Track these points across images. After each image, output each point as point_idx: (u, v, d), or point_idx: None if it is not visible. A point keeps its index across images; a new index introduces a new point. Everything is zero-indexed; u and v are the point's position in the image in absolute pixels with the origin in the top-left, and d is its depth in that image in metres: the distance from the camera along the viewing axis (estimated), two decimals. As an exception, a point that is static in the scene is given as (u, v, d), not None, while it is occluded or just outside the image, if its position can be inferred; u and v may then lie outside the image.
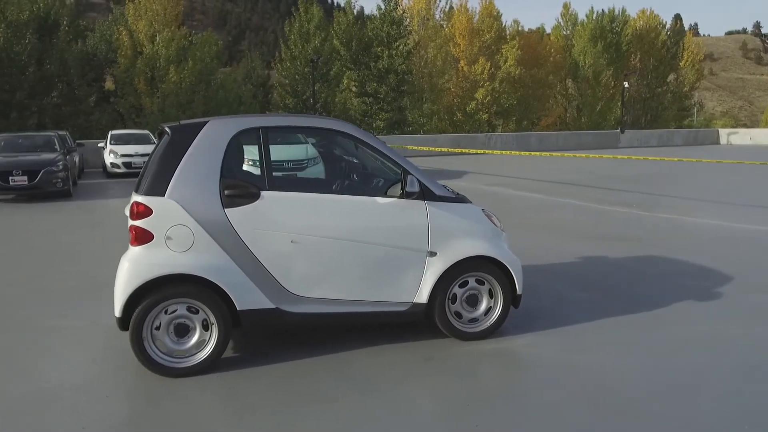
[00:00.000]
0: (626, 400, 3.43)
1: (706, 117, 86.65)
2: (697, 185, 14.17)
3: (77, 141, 18.42)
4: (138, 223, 3.69)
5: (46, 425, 3.25)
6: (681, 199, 11.73)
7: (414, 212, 4.04)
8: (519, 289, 4.32)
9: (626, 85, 39.05)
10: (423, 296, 4.10)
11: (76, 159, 15.85)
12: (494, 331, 4.34)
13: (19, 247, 8.08)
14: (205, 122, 3.89)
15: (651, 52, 46.89)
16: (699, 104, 67.74)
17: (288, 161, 10.59)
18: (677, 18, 72.37)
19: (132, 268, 3.68)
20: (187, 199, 3.71)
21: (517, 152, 20.31)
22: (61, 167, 12.71)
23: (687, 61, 48.81)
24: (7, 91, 25.49)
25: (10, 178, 12.09)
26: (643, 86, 48.10)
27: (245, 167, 11.42)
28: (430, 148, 22.84)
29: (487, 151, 22.30)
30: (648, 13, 47.81)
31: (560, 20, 47.76)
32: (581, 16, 46.74)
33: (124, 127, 27.58)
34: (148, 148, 16.65)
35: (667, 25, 50.80)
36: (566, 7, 47.65)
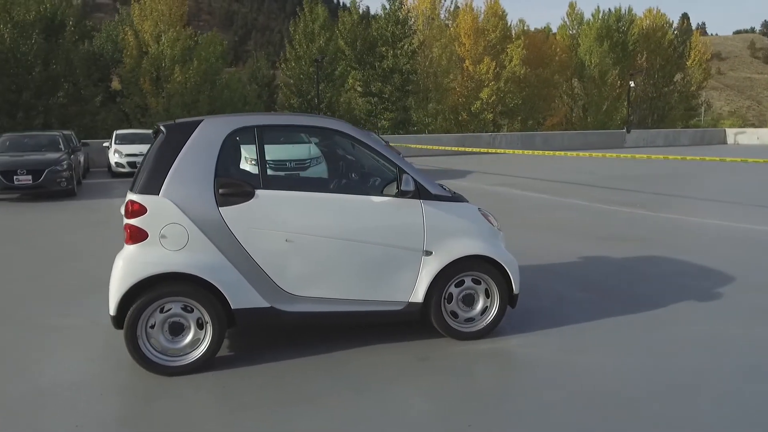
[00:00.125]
0: (625, 400, 3.40)
1: (714, 117, 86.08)
2: (702, 185, 14.08)
3: (82, 141, 18.51)
4: (133, 221, 3.70)
5: (41, 423, 3.26)
6: (685, 198, 11.66)
7: (409, 211, 4.02)
8: (516, 289, 4.29)
9: (632, 84, 38.86)
10: (419, 295, 4.09)
11: (81, 158, 15.93)
12: (491, 330, 4.32)
13: (22, 246, 8.12)
14: (200, 121, 3.89)
15: (658, 52, 46.63)
16: (706, 104, 67.30)
17: (291, 161, 10.58)
18: (684, 17, 71.96)
19: (126, 267, 3.68)
20: (181, 197, 3.71)
21: (520, 151, 20.24)
22: (65, 167, 12.78)
23: (694, 60, 48.52)
24: (14, 91, 25.67)
25: (15, 177, 12.17)
26: (649, 86, 47.85)
27: (246, 166, 11.31)
28: (433, 147, 22.80)
29: (490, 150, 22.23)
30: (654, 12, 47.58)
31: (566, 19, 47.62)
32: (587, 16, 46.63)
33: (130, 127, 27.68)
34: (152, 148, 16.68)
35: (674, 25, 50.56)
36: (572, 6, 47.47)
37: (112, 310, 3.71)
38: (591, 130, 39.78)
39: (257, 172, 3.92)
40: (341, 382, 3.70)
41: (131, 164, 17.13)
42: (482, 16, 40.17)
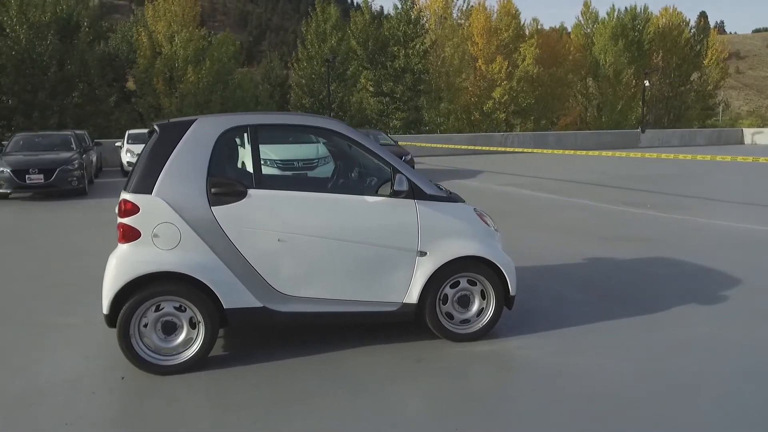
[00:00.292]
0: (624, 402, 3.35)
1: (732, 116, 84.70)
2: (715, 185, 13.86)
3: (95, 140, 18.72)
4: (125, 220, 3.71)
5: (33, 422, 3.27)
6: (697, 199, 11.48)
7: (403, 211, 3.99)
8: (512, 290, 4.24)
9: (647, 83, 38.39)
10: (413, 296, 4.05)
11: (93, 158, 16.11)
12: (487, 332, 4.27)
13: (29, 244, 8.21)
14: (194, 120, 3.89)
15: (674, 51, 46.08)
16: (724, 103, 66.21)
17: (298, 160, 10.59)
18: (702, 15, 71.04)
19: (119, 266, 3.70)
20: (174, 197, 3.71)
21: (530, 150, 20.08)
22: (76, 166, 12.93)
23: (711, 59, 47.83)
24: (30, 91, 26.02)
25: (27, 176, 12.33)
26: (665, 85, 47.30)
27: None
28: (444, 146, 22.72)
29: (500, 149, 22.09)
30: (671, 10, 46.99)
31: (581, 18, 47.21)
32: (602, 14, 46.18)
33: (144, 127, 27.92)
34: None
35: (691, 23, 49.89)
36: (587, 5, 47.06)
37: (105, 308, 3.72)
38: (605, 129, 39.40)
39: (250, 172, 3.90)
40: (335, 382, 3.68)
41: (143, 164, 17.23)
42: (495, 15, 39.97)
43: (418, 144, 22.45)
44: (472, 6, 39.50)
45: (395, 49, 34.50)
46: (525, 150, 22.23)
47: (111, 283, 3.68)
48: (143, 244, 3.69)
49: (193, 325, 3.80)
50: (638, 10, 45.46)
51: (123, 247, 3.73)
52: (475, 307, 4.24)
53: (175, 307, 3.77)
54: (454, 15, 39.34)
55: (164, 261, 3.68)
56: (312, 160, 10.93)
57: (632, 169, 17.40)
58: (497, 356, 4.08)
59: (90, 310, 5.07)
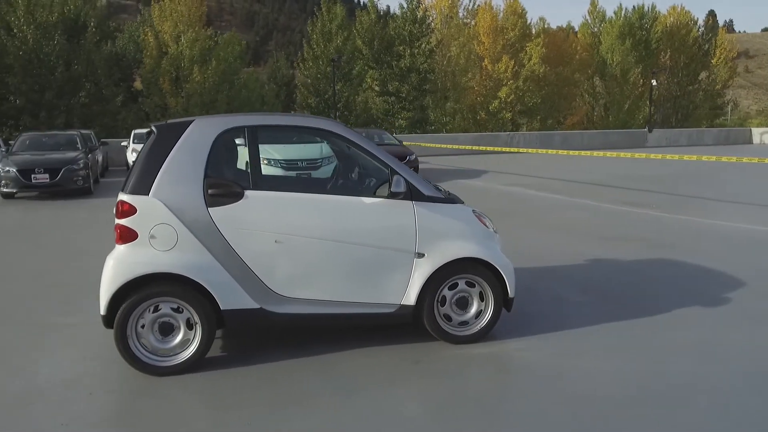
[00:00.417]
0: (620, 405, 3.34)
1: (741, 116, 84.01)
2: (722, 185, 13.73)
3: (101, 140, 18.80)
4: (123, 221, 3.72)
5: (30, 422, 3.28)
6: (703, 199, 11.39)
7: (401, 212, 3.97)
8: (511, 292, 4.21)
9: (654, 83, 38.10)
10: (411, 298, 4.04)
11: (99, 157, 16.18)
12: (485, 334, 4.25)
13: (32, 243, 8.26)
14: (191, 121, 3.89)
15: (682, 50, 45.75)
16: (733, 103, 65.72)
17: (302, 160, 10.59)
18: (711, 14, 70.52)
19: (116, 267, 3.70)
20: (171, 198, 3.71)
21: (535, 150, 20.00)
22: (81, 165, 12.98)
23: (719, 58, 47.47)
24: (37, 91, 26.20)
25: (33, 176, 12.40)
26: (673, 84, 46.97)
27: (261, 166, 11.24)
28: (449, 146, 22.65)
29: (505, 149, 22.02)
30: (679, 9, 46.67)
31: (588, 17, 46.97)
32: (609, 13, 45.95)
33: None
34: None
35: (699, 22, 49.53)
36: (594, 4, 46.82)
37: (102, 309, 3.74)
38: (612, 129, 39.20)
39: (247, 173, 3.90)
40: (332, 383, 3.68)
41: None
42: (501, 14, 39.85)
43: (423, 144, 22.41)
44: (479, 5, 39.44)
45: (401, 48, 34.47)
46: (527, 150, 22.13)
47: (108, 284, 3.69)
48: (140, 245, 3.70)
49: (190, 326, 3.80)
50: (646, 9, 45.20)
51: (120, 248, 3.74)
52: (473, 309, 4.22)
53: (172, 308, 3.78)
54: (460, 14, 39.28)
55: (161, 262, 3.68)
56: (316, 159, 10.93)
57: (637, 169, 17.30)
58: (496, 358, 4.06)
59: (91, 309, 5.06)
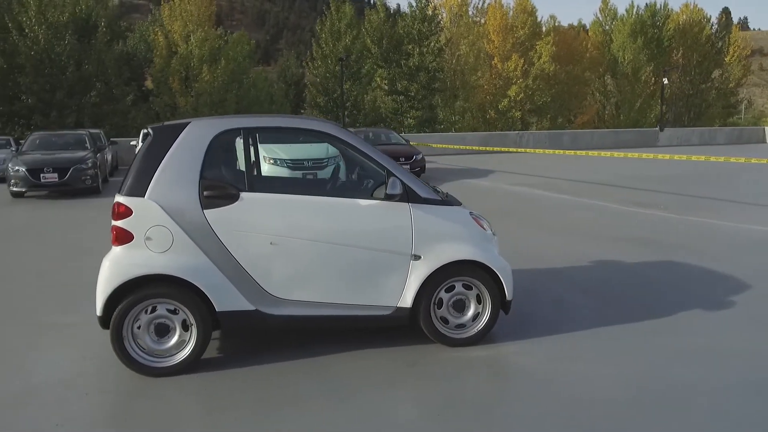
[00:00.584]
0: (617, 410, 3.30)
1: (755, 115, 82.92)
2: (735, 186, 13.54)
3: (111, 139, 18.94)
4: (119, 223, 3.73)
5: (24, 422, 3.30)
6: (713, 200, 11.25)
7: (397, 214, 3.95)
8: (509, 295, 4.18)
9: (665, 81, 37.68)
10: (407, 300, 4.02)
11: (108, 157, 16.30)
12: (482, 337, 4.22)
13: (38, 242, 8.33)
14: (187, 123, 3.90)
15: (694, 48, 45.25)
16: (747, 101, 64.88)
17: (308, 160, 10.58)
18: (725, 11, 69.64)
19: (112, 268, 3.72)
20: (166, 199, 3.72)
21: (541, 150, 19.88)
22: (90, 165, 13.09)
23: (733, 56, 46.91)
24: (48, 90, 26.46)
25: (42, 175, 12.53)
26: (686, 82, 46.48)
27: (265, 165, 11.21)
28: (456, 147, 22.56)
29: (511, 149, 21.91)
30: (692, 6, 46.19)
31: (599, 15, 46.62)
32: (621, 11, 45.56)
33: (159, 126, 28.17)
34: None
35: (713, 19, 48.98)
36: (605, 2, 46.46)
37: (98, 310, 3.75)
38: (623, 128, 38.87)
39: (242, 174, 3.90)
40: (327, 386, 3.67)
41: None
42: (511, 12, 39.66)
43: (432, 144, 22.35)
44: (489, 3, 39.30)
45: (410, 47, 34.41)
46: (533, 150, 22.01)
47: (104, 285, 3.71)
48: (136, 247, 3.71)
49: (185, 327, 3.81)
50: (658, 6, 44.76)
51: (116, 250, 3.76)
52: (470, 312, 4.19)
53: (168, 310, 3.79)
54: (470, 12, 39.15)
55: (156, 264, 3.70)
56: (322, 159, 10.92)
57: (646, 169, 17.13)
58: (493, 361, 4.03)
59: (92, 309, 5.10)
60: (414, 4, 35.39)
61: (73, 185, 12.77)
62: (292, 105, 44.90)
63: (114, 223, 3.76)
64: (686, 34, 44.91)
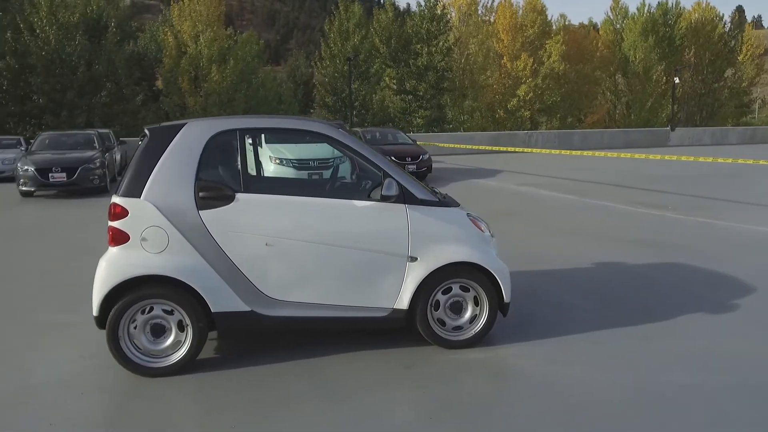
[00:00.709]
0: (615, 413, 3.28)
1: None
2: (745, 186, 13.38)
3: (120, 139, 19.06)
4: (115, 224, 3.75)
5: (19, 422, 3.32)
6: (722, 201, 11.12)
7: (393, 216, 3.93)
8: (507, 297, 4.14)
9: (677, 80, 37.32)
10: (404, 302, 4.00)
11: (117, 156, 16.40)
12: (480, 339, 4.19)
13: (43, 241, 8.40)
14: (183, 124, 3.90)
15: (707, 46, 44.81)
16: (761, 101, 64.06)
17: (314, 160, 10.58)
18: (738, 9, 68.82)
19: (108, 269, 3.73)
20: (162, 200, 3.73)
21: (548, 150, 19.76)
22: (98, 164, 13.20)
23: (746, 55, 46.37)
24: (59, 90, 26.70)
25: (50, 174, 12.64)
26: (698, 82, 46.02)
27: (271, 165, 11.20)
28: (464, 146, 22.46)
29: (520, 149, 21.79)
30: (704, 5, 45.74)
31: (610, 14, 46.30)
32: (632, 9, 45.26)
33: (169, 126, 28.33)
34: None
35: (725, 18, 48.46)
36: (616, 0, 46.11)
37: (94, 310, 3.77)
38: (634, 127, 38.55)
39: (238, 176, 3.90)
40: (322, 387, 3.66)
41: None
42: (521, 11, 39.49)
43: (440, 144, 22.29)
44: (498, 2, 39.16)
45: (418, 46, 34.35)
46: (540, 150, 21.88)
47: (100, 286, 3.72)
48: (132, 248, 3.72)
49: (181, 328, 3.82)
50: (670, 5, 44.38)
51: (112, 250, 3.77)
52: (467, 314, 4.17)
53: (164, 310, 3.80)
54: (479, 11, 39.02)
55: (152, 264, 3.70)
56: (328, 159, 10.91)
57: (654, 169, 16.97)
58: (490, 364, 4.00)
59: (90, 309, 5.15)
60: (423, 4, 35.36)
61: (81, 185, 12.87)
62: (301, 105, 45.02)
63: (110, 223, 3.78)
64: (698, 32, 44.49)
